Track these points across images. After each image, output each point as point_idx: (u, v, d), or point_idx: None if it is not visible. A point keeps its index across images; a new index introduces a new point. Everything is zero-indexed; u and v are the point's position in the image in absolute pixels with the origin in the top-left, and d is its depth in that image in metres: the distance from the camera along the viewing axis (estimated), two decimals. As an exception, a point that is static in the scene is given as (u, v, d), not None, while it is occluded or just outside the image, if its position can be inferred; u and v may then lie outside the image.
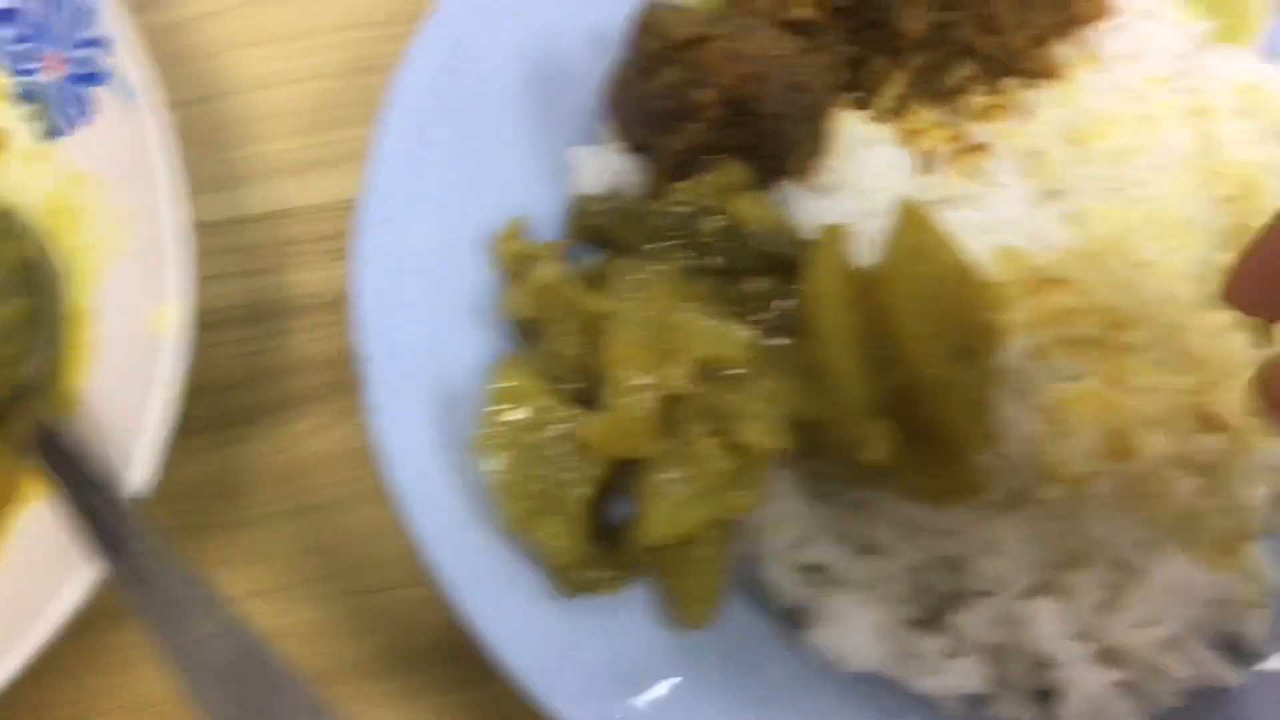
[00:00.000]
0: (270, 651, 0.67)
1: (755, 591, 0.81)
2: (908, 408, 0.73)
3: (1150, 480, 0.76)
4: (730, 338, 0.75)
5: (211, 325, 0.94)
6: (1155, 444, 0.76)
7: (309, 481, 0.89)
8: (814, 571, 0.79)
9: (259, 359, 0.93)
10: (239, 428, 0.91)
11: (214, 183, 0.99)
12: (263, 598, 0.86)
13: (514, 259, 0.85)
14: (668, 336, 0.76)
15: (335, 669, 0.84)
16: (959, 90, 0.95)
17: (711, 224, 0.78)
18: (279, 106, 1.03)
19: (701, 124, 0.82)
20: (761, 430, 0.73)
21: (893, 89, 0.95)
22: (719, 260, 0.78)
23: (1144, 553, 0.76)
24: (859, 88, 0.96)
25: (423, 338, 0.83)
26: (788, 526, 0.78)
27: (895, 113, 0.94)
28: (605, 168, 0.91)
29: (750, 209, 0.79)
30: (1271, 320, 0.60)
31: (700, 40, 0.82)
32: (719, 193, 0.80)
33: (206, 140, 1.01)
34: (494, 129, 0.92)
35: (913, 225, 0.76)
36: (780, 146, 0.82)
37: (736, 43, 0.81)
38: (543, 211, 0.89)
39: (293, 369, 0.93)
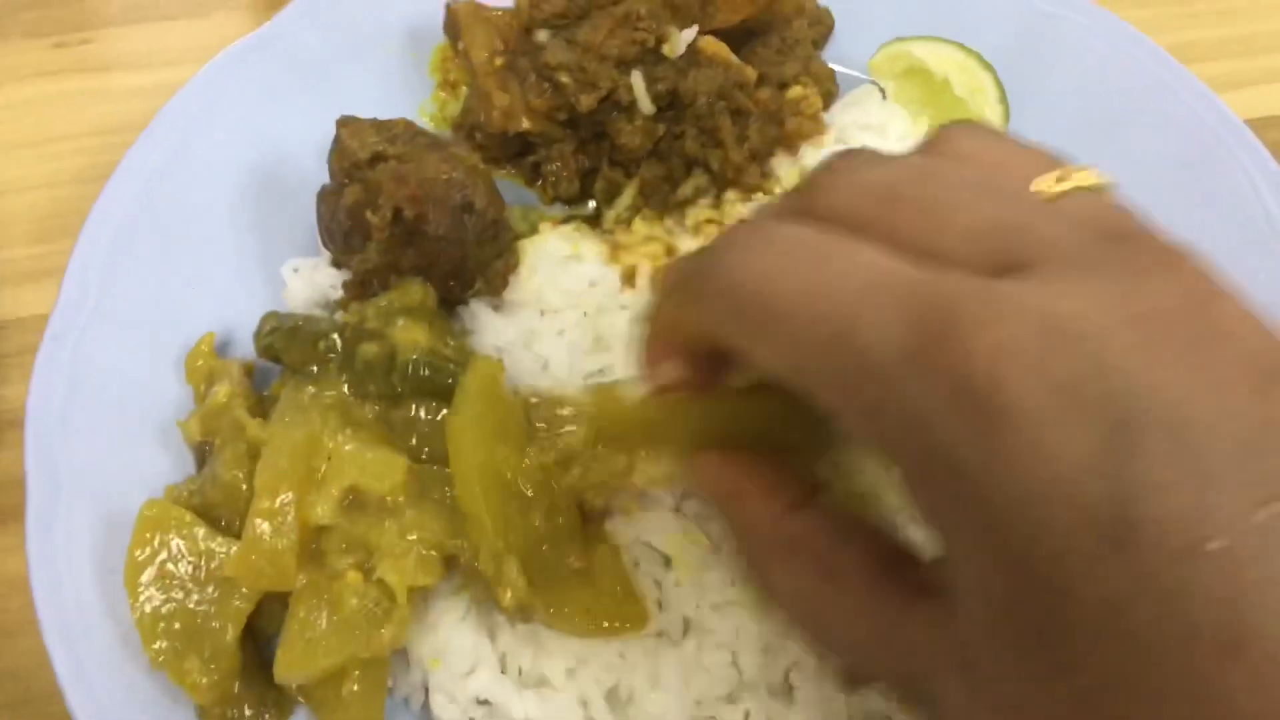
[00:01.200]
0: None
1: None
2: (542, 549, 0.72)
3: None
4: (380, 466, 0.74)
5: (-91, 439, 0.92)
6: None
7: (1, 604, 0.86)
8: (484, 705, 0.76)
9: (-46, 476, 0.91)
10: (-76, 547, 0.88)
11: (-67, 291, 0.98)
12: (-61, 729, 0.82)
13: (200, 377, 0.84)
14: (318, 463, 0.74)
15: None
16: (687, 202, 0.94)
17: (367, 350, 0.76)
18: (14, 214, 1.02)
19: (377, 245, 0.80)
20: (403, 567, 0.72)
21: (624, 200, 0.95)
22: (371, 386, 0.76)
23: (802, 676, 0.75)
24: (590, 197, 0.96)
25: (96, 460, 0.80)
26: (453, 658, 0.75)
27: (627, 223, 0.94)
28: (316, 280, 0.90)
29: (409, 334, 0.77)
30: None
31: (375, 159, 0.81)
32: (385, 314, 0.79)
33: (-68, 247, 1.00)
34: (207, 239, 0.91)
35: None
36: (456, 267, 0.81)
37: (407, 164, 0.80)
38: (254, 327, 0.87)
39: (-9, 486, 0.90)
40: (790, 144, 0.93)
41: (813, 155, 0.92)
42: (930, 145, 0.59)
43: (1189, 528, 0.43)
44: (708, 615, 0.77)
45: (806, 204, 0.57)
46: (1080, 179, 0.54)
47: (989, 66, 0.97)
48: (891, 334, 0.48)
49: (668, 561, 0.78)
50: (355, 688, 0.73)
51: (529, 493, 0.74)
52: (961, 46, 0.97)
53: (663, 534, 0.78)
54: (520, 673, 0.77)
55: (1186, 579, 0.43)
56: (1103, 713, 0.45)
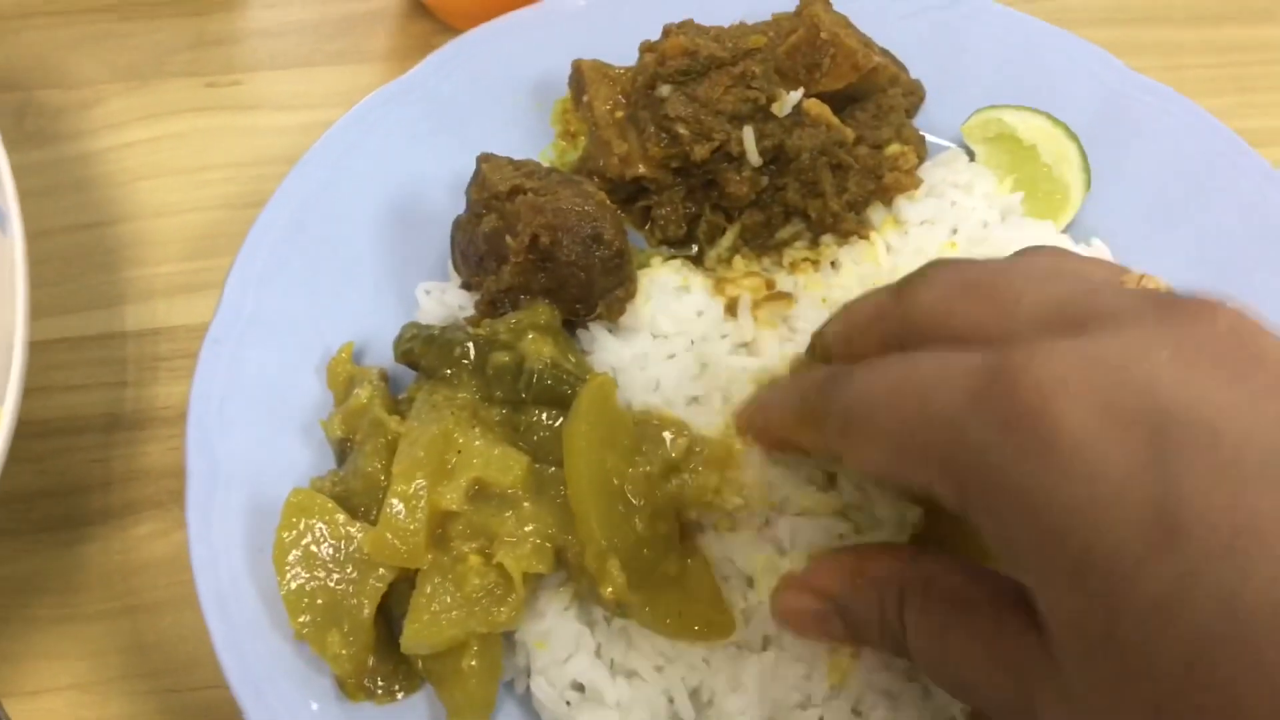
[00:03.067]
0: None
1: (530, 707, 0.85)
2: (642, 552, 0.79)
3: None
4: (504, 463, 0.81)
5: (71, 431, 1.01)
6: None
7: (139, 583, 0.95)
8: (578, 689, 0.83)
9: (111, 465, 1.00)
10: (83, 528, 0.97)
11: (99, 300, 1.08)
12: (83, 690, 0.91)
13: (340, 382, 0.92)
14: (449, 456, 0.82)
15: (136, 762, 0.89)
16: (784, 245, 1.02)
17: (498, 358, 0.84)
18: (168, 234, 1.12)
19: (512, 267, 0.89)
20: (519, 554, 0.79)
21: (725, 242, 1.03)
22: (499, 391, 0.84)
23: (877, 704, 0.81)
24: (694, 240, 1.04)
25: (247, 452, 0.89)
26: (555, 644, 0.82)
27: (728, 263, 1.02)
28: (447, 301, 0.99)
29: (537, 347, 0.85)
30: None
31: (514, 192, 0.90)
32: (516, 330, 0.87)
33: (99, 261, 1.11)
34: (349, 261, 1.00)
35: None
36: (582, 291, 0.89)
37: (544, 196, 0.88)
38: (391, 339, 0.95)
39: (141, 477, 0.99)
40: (885, 196, 1.01)
41: (905, 206, 1.00)
42: (1014, 254, 0.69)
43: (1229, 525, 0.48)
44: (785, 634, 0.83)
45: (900, 298, 0.69)
46: (1153, 283, 0.62)
47: (1074, 137, 1.04)
48: (958, 391, 0.57)
49: (751, 581, 0.85)
50: (474, 663, 0.80)
51: (633, 499, 0.81)
52: (1050, 117, 1.05)
53: (747, 555, 0.85)
54: (613, 664, 0.84)
55: (1232, 571, 0.47)
56: (1178, 712, 0.49)
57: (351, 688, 0.81)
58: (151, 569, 0.96)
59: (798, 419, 0.75)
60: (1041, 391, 0.52)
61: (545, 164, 1.09)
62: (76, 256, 1.10)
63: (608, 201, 0.92)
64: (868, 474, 0.72)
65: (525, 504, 0.81)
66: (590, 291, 0.90)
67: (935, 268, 0.69)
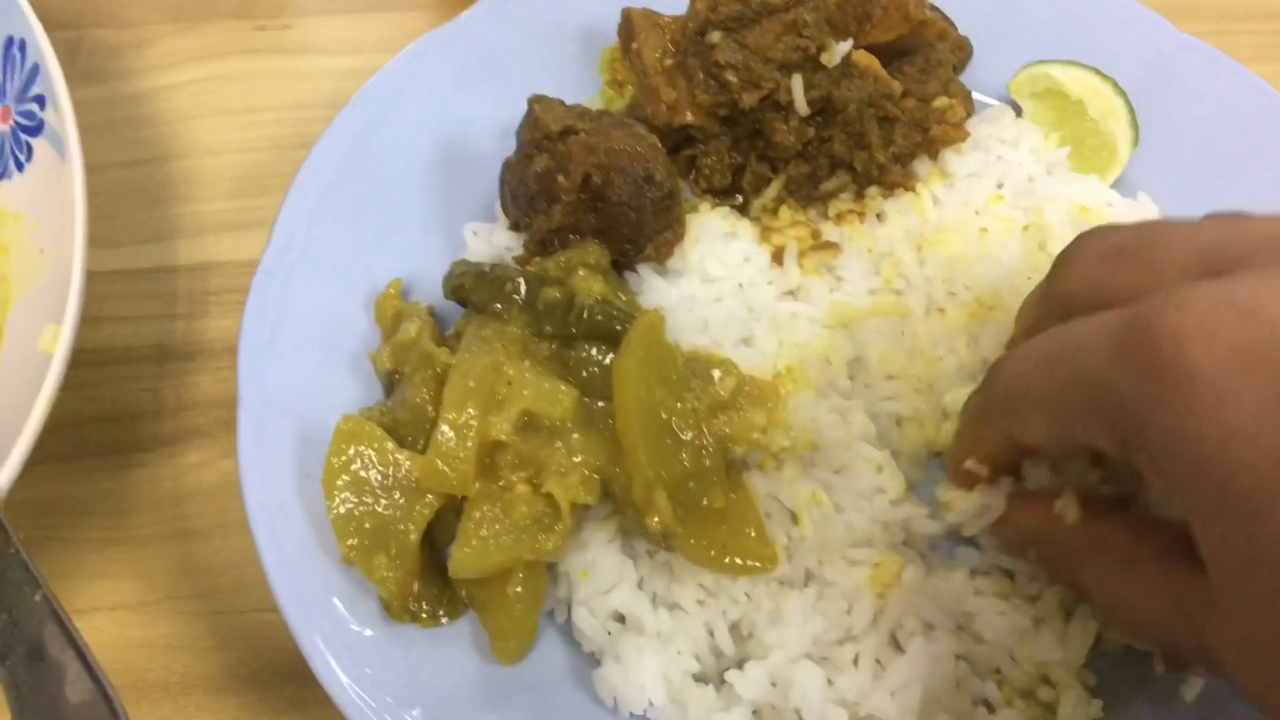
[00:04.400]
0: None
1: (571, 638, 0.87)
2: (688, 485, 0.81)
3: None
4: (554, 395, 0.82)
5: (124, 361, 1.03)
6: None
7: (187, 508, 0.97)
8: (619, 620, 0.85)
9: (162, 395, 1.02)
10: (135, 454, 0.99)
11: (151, 234, 1.10)
12: (130, 610, 0.93)
13: (388, 317, 0.93)
14: (499, 388, 0.83)
15: (185, 681, 0.90)
16: (829, 197, 1.03)
17: (549, 294, 0.86)
18: (217, 172, 1.14)
19: (563, 207, 0.90)
20: (567, 484, 0.80)
21: (770, 193, 1.04)
22: (549, 326, 0.85)
23: (916, 633, 0.82)
24: (739, 191, 1.05)
25: (297, 383, 0.91)
26: (599, 575, 0.84)
27: (773, 213, 1.03)
28: (494, 241, 1.00)
29: (587, 284, 0.87)
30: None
31: (567, 132, 0.91)
32: (567, 268, 0.88)
33: (151, 196, 1.12)
34: (397, 201, 1.02)
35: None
36: (632, 232, 0.90)
37: (596, 137, 0.89)
38: (437, 277, 0.97)
39: (191, 406, 1.01)
40: (932, 149, 1.02)
41: (952, 159, 1.00)
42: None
43: None
44: (828, 569, 0.84)
45: (1054, 276, 0.73)
46: None
47: (1123, 93, 1.04)
48: (1102, 347, 0.60)
49: (794, 518, 0.86)
50: (519, 589, 0.82)
51: (681, 433, 0.83)
52: (1098, 72, 1.05)
53: (792, 492, 0.86)
54: (655, 596, 0.85)
55: None
56: None
57: (397, 610, 0.83)
58: (200, 495, 0.97)
59: (974, 424, 0.80)
60: (1175, 337, 0.55)
61: (593, 112, 1.10)
62: (129, 191, 1.12)
63: (659, 144, 0.92)
64: (1044, 448, 0.74)
65: (574, 436, 0.82)
66: (640, 232, 0.91)
67: (1084, 238, 0.72)
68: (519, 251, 0.97)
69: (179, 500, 0.97)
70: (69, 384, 0.83)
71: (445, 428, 0.81)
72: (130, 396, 1.01)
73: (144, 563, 0.95)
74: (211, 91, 1.19)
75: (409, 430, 0.86)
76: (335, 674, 0.80)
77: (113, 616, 0.92)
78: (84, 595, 0.93)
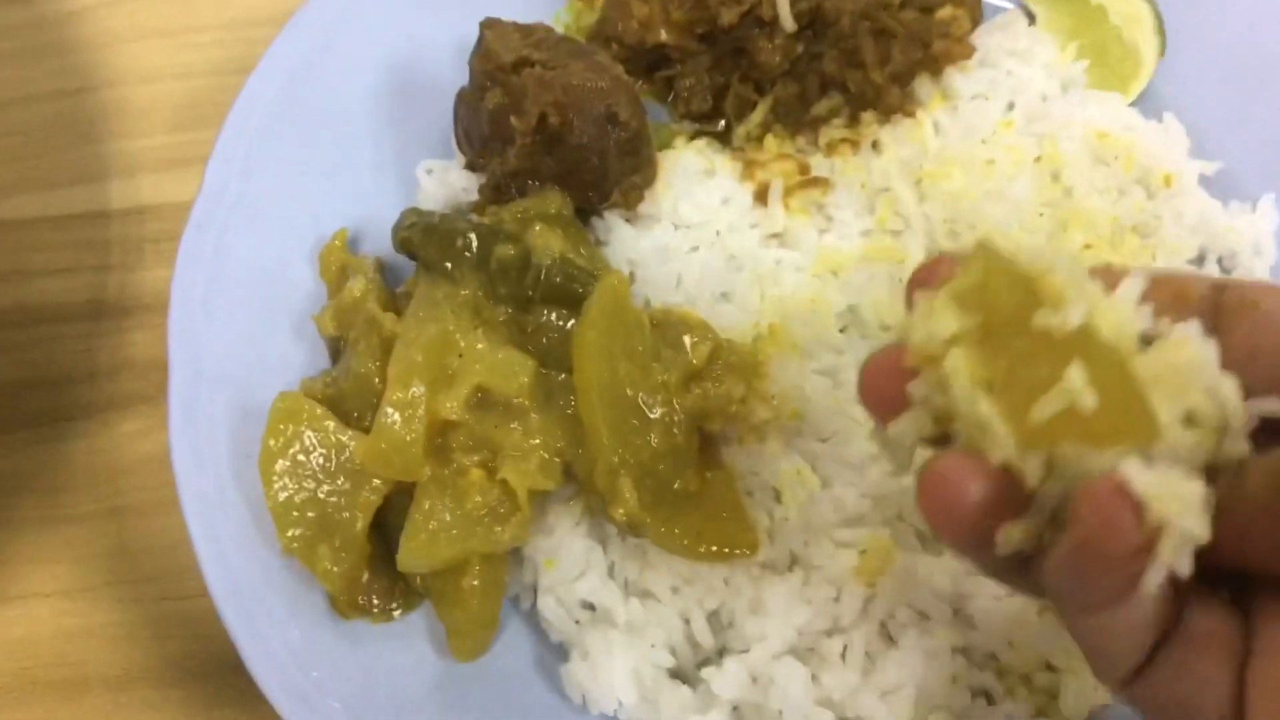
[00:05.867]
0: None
1: (537, 624, 0.80)
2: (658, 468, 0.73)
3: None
4: (509, 368, 0.74)
5: (54, 319, 0.95)
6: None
7: (126, 483, 0.90)
8: (589, 609, 0.78)
9: (97, 356, 0.94)
10: (67, 423, 0.92)
11: (79, 175, 1.01)
12: (67, 596, 0.86)
13: (334, 272, 0.85)
14: (449, 360, 0.75)
15: (126, 674, 0.84)
16: (820, 122, 0.93)
17: (503, 252, 0.77)
18: (152, 102, 1.04)
19: (518, 150, 0.80)
20: (524, 470, 0.73)
21: (755, 117, 0.94)
22: (503, 288, 0.77)
23: (909, 624, 0.75)
24: (722, 115, 0.95)
25: (235, 349, 0.82)
26: (565, 561, 0.77)
27: (758, 140, 0.93)
28: (450, 181, 0.90)
29: (545, 240, 0.77)
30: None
31: (520, 64, 0.81)
32: (523, 220, 0.79)
33: (80, 132, 1.03)
34: (345, 136, 0.92)
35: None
36: (595, 177, 0.81)
37: (553, 70, 0.79)
38: (389, 223, 0.87)
39: (128, 368, 0.94)
40: (934, 67, 0.91)
41: (956, 79, 0.90)
42: None
43: None
44: (814, 552, 0.77)
45: None
46: None
47: (1149, -7, 0.93)
48: None
49: (777, 496, 0.78)
50: (475, 582, 0.75)
51: (649, 410, 0.74)
52: (1121, -29, 0.94)
53: (774, 468, 0.78)
54: (626, 583, 0.78)
55: None
56: None
57: (344, 605, 0.76)
58: (140, 468, 0.90)
59: None
60: None
61: (560, 28, 0.99)
62: (55, 126, 1.03)
63: (624, 76, 0.82)
64: None
65: (532, 415, 0.75)
66: (604, 177, 0.81)
67: None
68: (475, 194, 0.88)
69: (117, 474, 0.90)
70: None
71: (390, 409, 0.73)
72: (62, 358, 0.94)
73: (81, 544, 0.88)
74: (144, 10, 1.09)
75: (354, 403, 0.78)
76: (277, 678, 0.73)
77: (49, 604, 0.86)
78: (18, 581, 0.87)
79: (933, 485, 0.49)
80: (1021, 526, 0.48)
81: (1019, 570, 0.51)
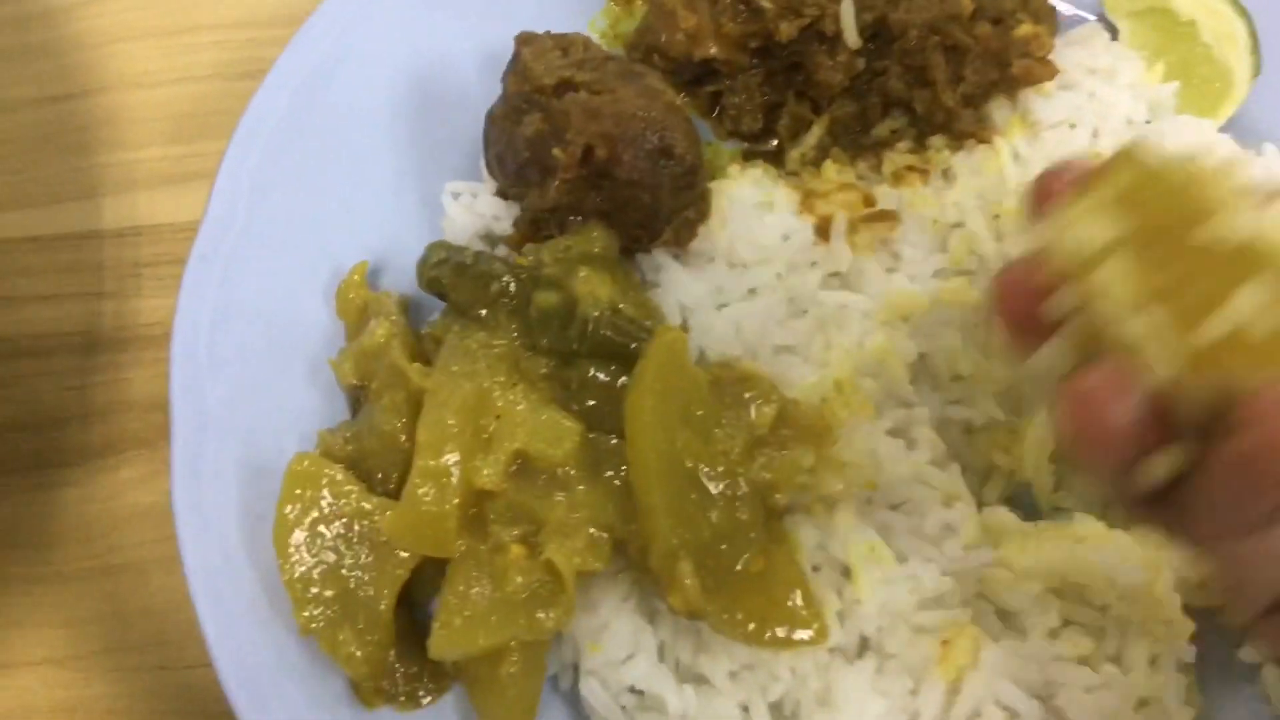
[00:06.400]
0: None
1: (577, 706, 0.72)
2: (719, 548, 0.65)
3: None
4: (554, 432, 0.67)
5: (41, 352, 0.87)
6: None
7: (123, 538, 0.82)
8: (636, 694, 0.70)
9: (90, 394, 0.86)
10: (58, 470, 0.84)
11: (70, 190, 0.93)
12: (58, 665, 0.79)
13: (353, 309, 0.77)
14: (486, 421, 0.67)
15: (124, 754, 0.77)
16: (882, 145, 0.85)
17: (544, 299, 0.69)
18: (148, 109, 0.96)
19: (560, 184, 0.73)
20: (570, 548, 0.65)
21: (810, 139, 0.86)
22: (545, 339, 0.69)
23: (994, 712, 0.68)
24: (774, 135, 0.87)
25: (243, 395, 0.75)
26: (613, 642, 0.69)
27: (814, 164, 0.85)
28: (479, 209, 0.83)
29: (590, 288, 0.70)
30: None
31: (563, 86, 0.73)
32: (565, 262, 0.71)
33: (66, 143, 0.94)
34: (362, 155, 0.85)
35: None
36: (646, 215, 0.73)
37: (600, 96, 0.71)
38: (412, 252, 0.79)
39: (124, 408, 0.86)
40: (1011, 88, 0.83)
41: (1035, 102, 0.82)
42: None
43: None
44: (889, 639, 0.69)
45: None
46: None
47: (1244, 12, 0.86)
48: None
49: (848, 573, 0.71)
50: (514, 670, 0.67)
51: (711, 486, 0.67)
52: (1216, -14, 0.86)
53: (846, 542, 0.71)
54: (678, 666, 0.71)
55: None
56: None
57: (367, 692, 0.69)
58: (137, 520, 0.83)
59: None
60: None
61: (595, 34, 0.91)
62: (44, 136, 0.94)
63: (678, 102, 0.74)
64: None
65: (579, 486, 0.67)
66: (655, 215, 0.74)
67: None
68: (508, 225, 0.80)
69: (113, 527, 0.83)
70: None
71: (420, 479, 0.65)
72: (48, 398, 0.86)
73: (73, 606, 0.80)
74: (139, 7, 1.00)
75: (378, 463, 0.71)
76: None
77: (39, 674, 0.78)
78: (3, 648, 0.79)
79: (1080, 403, 0.47)
80: (1171, 455, 0.46)
81: (1151, 504, 0.49)
